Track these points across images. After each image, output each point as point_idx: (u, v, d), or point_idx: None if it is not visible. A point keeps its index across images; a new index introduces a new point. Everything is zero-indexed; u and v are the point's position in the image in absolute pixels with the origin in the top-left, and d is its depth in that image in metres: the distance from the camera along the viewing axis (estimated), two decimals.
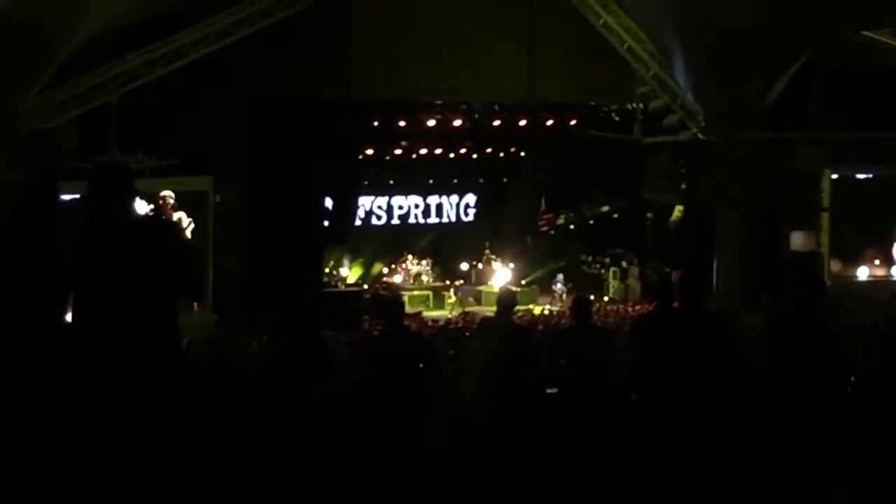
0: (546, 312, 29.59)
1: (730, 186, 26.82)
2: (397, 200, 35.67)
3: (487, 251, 35.26)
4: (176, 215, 21.13)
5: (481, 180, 36.56)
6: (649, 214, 33.87)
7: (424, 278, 34.29)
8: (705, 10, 24.11)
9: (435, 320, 27.16)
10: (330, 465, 8.67)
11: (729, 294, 25.58)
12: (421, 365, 11.48)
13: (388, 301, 12.00)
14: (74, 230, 7.06)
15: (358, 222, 34.30)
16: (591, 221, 36.11)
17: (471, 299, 33.18)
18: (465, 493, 9.41)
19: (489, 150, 35.06)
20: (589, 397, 11.19)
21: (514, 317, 14.08)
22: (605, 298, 33.08)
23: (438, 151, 34.30)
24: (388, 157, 33.70)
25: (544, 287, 34.24)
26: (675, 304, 10.61)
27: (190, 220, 21.78)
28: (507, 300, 12.63)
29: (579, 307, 12.48)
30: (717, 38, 24.48)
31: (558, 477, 9.83)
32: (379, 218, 35.41)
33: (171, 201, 20.48)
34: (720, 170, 27.31)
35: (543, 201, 36.63)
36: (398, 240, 35.19)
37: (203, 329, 20.43)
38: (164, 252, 6.51)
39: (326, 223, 31.50)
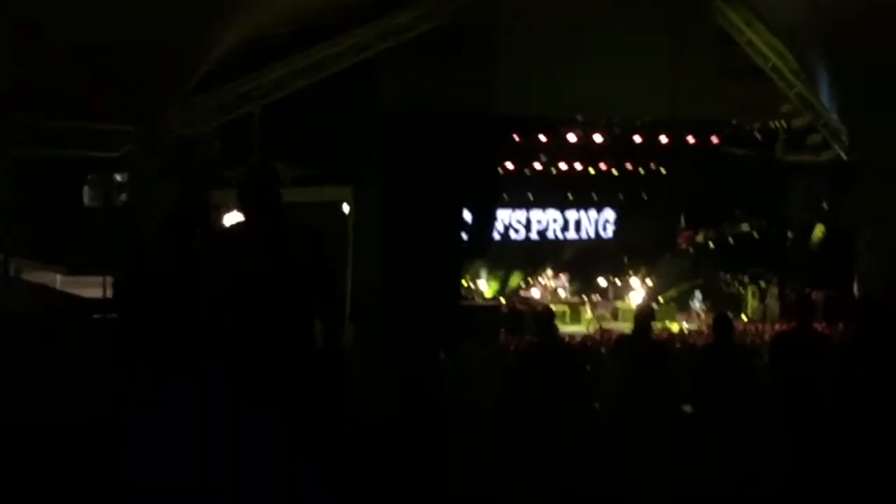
0: (684, 330, 29.45)
1: (872, 206, 26.41)
2: (536, 215, 35.72)
3: (627, 268, 35.19)
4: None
5: (621, 196, 36.42)
6: (790, 234, 33.49)
7: (562, 293, 34.33)
8: (851, 30, 23.84)
9: (572, 336, 27.15)
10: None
11: None
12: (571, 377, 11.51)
13: (541, 313, 12.00)
14: (224, 236, 7.29)
15: (496, 236, 34.37)
16: (731, 240, 35.81)
17: (608, 315, 33.13)
18: None
19: (629, 166, 34.91)
20: (727, 417, 11.17)
21: (651, 334, 14.04)
22: (744, 318, 32.78)
23: (578, 167, 34.25)
24: (527, 172, 33.76)
25: (682, 305, 34.06)
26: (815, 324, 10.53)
27: None
28: (644, 316, 12.62)
29: (720, 325, 12.43)
30: (862, 55, 24.19)
31: (693, 497, 9.84)
32: (517, 232, 35.50)
33: None
34: (863, 189, 26.91)
35: (683, 219, 36.45)
36: (536, 254, 35.26)
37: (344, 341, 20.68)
38: (312, 261, 6.64)
39: (465, 236, 31.65)
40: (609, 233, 36.92)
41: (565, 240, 36.31)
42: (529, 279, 34.52)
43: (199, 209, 7.19)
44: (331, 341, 6.69)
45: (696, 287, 34.43)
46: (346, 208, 26.31)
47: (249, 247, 6.56)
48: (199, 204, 7.24)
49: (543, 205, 35.73)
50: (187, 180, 24.23)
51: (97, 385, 7.66)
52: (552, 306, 31.82)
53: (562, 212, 36.14)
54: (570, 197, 35.99)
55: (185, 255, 7.09)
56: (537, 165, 33.64)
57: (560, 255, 35.62)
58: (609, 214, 36.77)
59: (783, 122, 31.50)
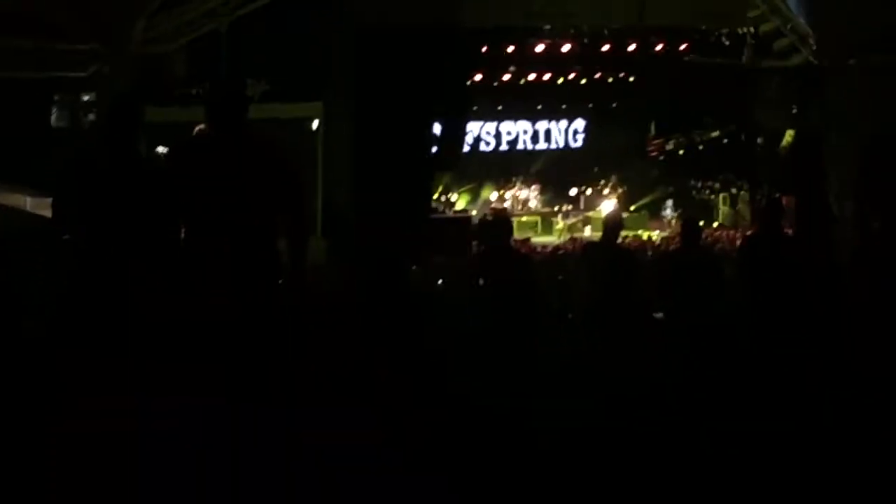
0: (655, 238, 29.54)
1: (842, 112, 26.42)
2: (506, 126, 35.72)
3: (598, 177, 35.24)
4: None
5: (590, 105, 36.42)
6: (760, 140, 33.53)
7: (533, 204, 34.36)
8: None
9: (544, 246, 27.26)
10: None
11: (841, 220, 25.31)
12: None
13: (493, 222, 12.03)
14: (189, 145, 7.26)
15: (466, 148, 34.35)
16: (701, 147, 35.83)
17: (579, 224, 33.20)
18: (570, 418, 9.53)
19: (598, 75, 34.85)
20: (696, 322, 11.24)
21: (622, 242, 14.09)
22: (715, 224, 32.92)
23: (547, 77, 34.17)
24: (496, 83, 33.71)
25: (653, 213, 34.19)
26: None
27: None
28: (612, 225, 12.66)
29: (688, 231, 12.49)
30: None
31: (662, 404, 9.90)
32: (488, 144, 35.51)
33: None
34: (832, 95, 26.90)
35: (653, 127, 36.45)
36: (507, 165, 35.25)
37: (314, 256, 20.74)
38: (275, 175, 6.62)
39: (435, 149, 31.58)
40: (579, 142, 36.94)
41: (536, 150, 36.31)
42: (500, 190, 34.52)
43: (130, 121, 7.12)
44: (295, 255, 6.69)
45: (668, 195, 34.55)
46: (315, 124, 26.24)
47: (212, 158, 6.54)
48: (131, 115, 7.17)
49: (513, 116, 35.70)
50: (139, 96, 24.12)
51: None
52: (524, 217, 32.15)
53: (532, 122, 36.12)
54: (540, 107, 35.95)
55: (117, 166, 7.05)
56: (506, 76, 33.57)
57: (530, 166, 35.61)
58: (579, 124, 36.77)
59: (751, 28, 31.36)
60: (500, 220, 12.26)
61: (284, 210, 6.63)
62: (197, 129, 17.01)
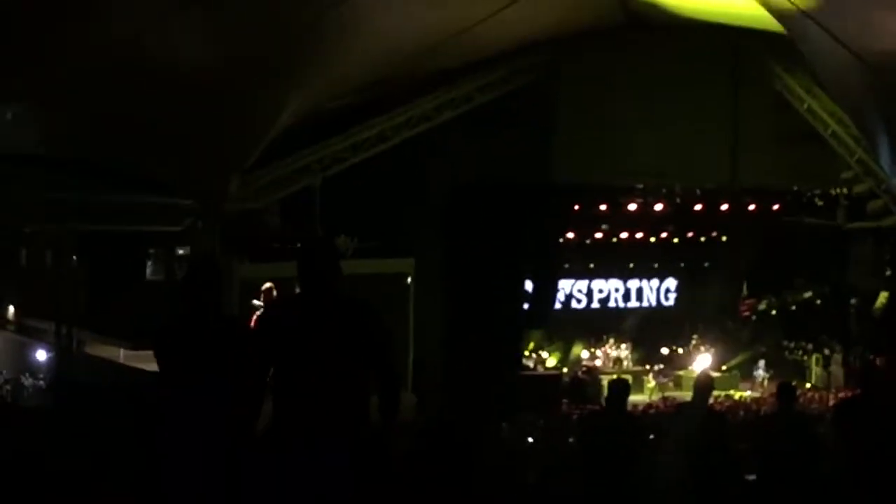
0: (747, 398, 29.27)
1: None
2: (597, 284, 35.68)
3: (693, 336, 35.07)
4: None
5: (682, 265, 36.33)
6: (853, 301, 33.25)
7: (625, 363, 34.18)
8: None
9: (635, 405, 27.04)
10: None
11: None
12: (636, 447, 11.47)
13: (616, 382, 11.96)
14: (280, 305, 7.38)
15: (558, 306, 34.37)
16: (794, 307, 35.60)
17: (670, 384, 32.97)
18: None
19: (690, 234, 34.87)
20: (790, 485, 11.11)
21: (714, 402, 14.01)
22: (808, 385, 32.51)
23: (639, 236, 34.25)
24: (588, 241, 33.82)
25: (745, 373, 33.85)
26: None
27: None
28: (703, 385, 12.60)
29: (783, 393, 12.40)
30: None
31: None
32: (579, 301, 35.46)
33: (274, 293, 20.21)
34: None
35: (745, 287, 36.31)
36: (598, 323, 35.18)
37: (403, 413, 20.75)
38: (367, 333, 6.67)
39: (526, 306, 31.63)
40: (671, 301, 36.79)
41: (627, 309, 36.23)
42: (592, 348, 34.41)
43: (207, 276, 7.27)
44: (386, 413, 6.73)
45: (760, 355, 34.21)
46: (408, 280, 26.46)
47: (303, 316, 6.62)
48: (211, 271, 7.32)
49: (605, 274, 35.69)
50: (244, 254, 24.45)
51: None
52: (615, 375, 31.91)
53: (624, 281, 36.08)
54: (632, 266, 35.94)
55: (198, 321, 7.18)
56: (598, 234, 33.70)
57: (622, 324, 35.51)
58: (671, 283, 36.66)
59: (844, 189, 31.34)
60: (622, 382, 12.20)
61: (375, 367, 6.68)
62: (265, 286, 17.17)
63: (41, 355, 25.13)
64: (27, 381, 24.01)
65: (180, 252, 27.17)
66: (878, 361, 29.03)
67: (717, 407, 21.97)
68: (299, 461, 6.42)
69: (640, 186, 31.13)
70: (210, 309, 7.27)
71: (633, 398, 29.62)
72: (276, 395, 6.59)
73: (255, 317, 14.99)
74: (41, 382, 23.74)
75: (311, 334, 6.52)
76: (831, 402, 25.41)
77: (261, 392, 6.61)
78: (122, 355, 23.75)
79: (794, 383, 14.75)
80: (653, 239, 34.65)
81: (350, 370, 6.53)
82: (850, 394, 24.99)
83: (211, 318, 7.28)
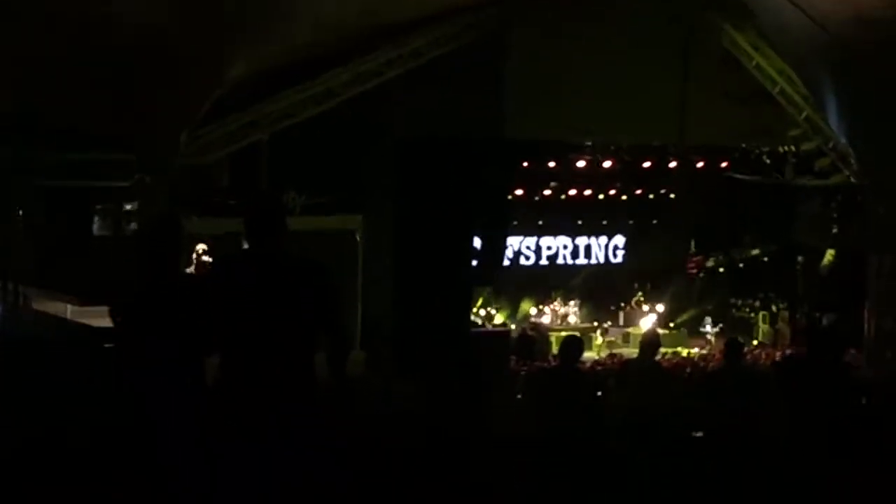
0: (694, 356, 29.45)
1: (882, 230, 26.32)
2: (546, 241, 35.76)
3: (640, 293, 35.24)
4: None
5: (630, 222, 36.49)
6: (800, 258, 33.47)
7: (572, 319, 34.31)
8: (862, 55, 23.80)
9: (582, 362, 27.10)
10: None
11: (882, 340, 25.15)
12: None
13: (568, 341, 11.93)
14: (227, 262, 7.31)
15: (506, 262, 34.42)
16: (741, 265, 35.83)
17: (618, 341, 33.13)
18: None
19: (639, 191, 35.01)
20: (737, 441, 11.16)
21: (661, 359, 14.07)
22: (755, 342, 32.74)
23: (588, 192, 34.36)
24: (537, 198, 33.89)
25: (693, 330, 34.06)
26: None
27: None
28: (650, 342, 12.65)
29: (731, 349, 12.46)
30: (871, 79, 24.14)
31: None
32: (527, 258, 35.55)
33: (204, 256, 19.93)
34: (872, 213, 26.83)
35: (693, 244, 36.49)
36: (546, 280, 35.26)
37: (352, 368, 20.75)
38: (316, 291, 6.63)
39: (475, 263, 31.62)
40: (619, 258, 36.95)
41: (576, 266, 36.34)
42: (540, 305, 34.49)
43: (169, 234, 7.18)
44: (334, 372, 6.70)
45: (707, 312, 34.43)
46: (356, 236, 26.40)
47: (251, 274, 6.57)
48: (170, 229, 7.24)
49: (554, 231, 35.77)
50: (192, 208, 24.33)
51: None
52: (563, 332, 32.03)
53: (572, 238, 36.18)
54: (580, 223, 36.04)
55: (157, 280, 7.10)
56: (547, 191, 33.76)
57: (570, 281, 35.61)
58: (619, 240, 36.81)
59: (792, 147, 31.44)
60: (575, 340, 12.18)
61: (324, 325, 6.64)
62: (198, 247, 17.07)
63: None
64: None
65: (128, 207, 26.95)
66: (822, 319, 29.33)
67: (665, 364, 22.06)
68: (253, 421, 6.38)
69: (589, 144, 31.14)
70: (172, 267, 7.20)
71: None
72: (225, 351, 6.55)
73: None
74: None
75: (262, 291, 6.48)
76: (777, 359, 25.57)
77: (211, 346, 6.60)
78: (69, 311, 23.58)
79: (740, 340, 14.83)
80: (601, 196, 34.79)
81: (299, 327, 6.50)
82: (793, 351, 25.24)
83: (174, 276, 7.22)
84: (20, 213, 25.96)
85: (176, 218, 7.66)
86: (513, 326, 32.61)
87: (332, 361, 6.66)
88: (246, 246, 6.74)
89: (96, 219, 27.26)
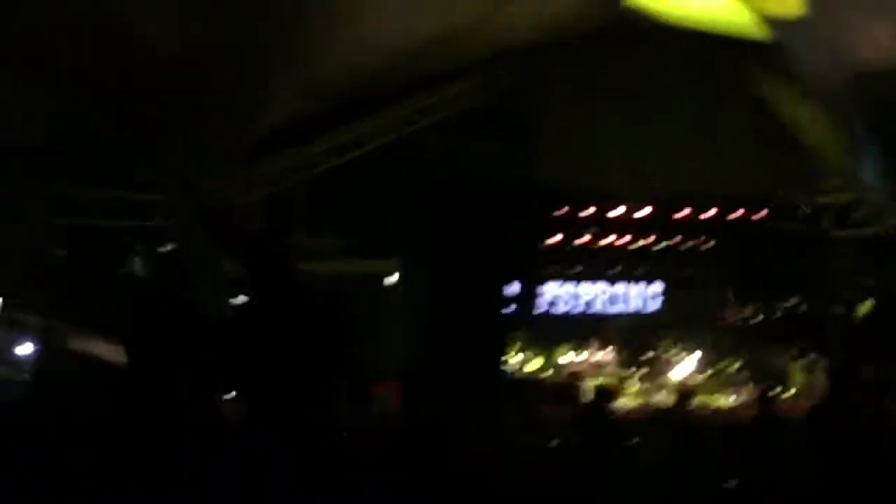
0: (729, 405, 29.32)
1: None
2: (583, 288, 35.72)
3: (676, 342, 35.10)
4: None
5: (668, 270, 36.41)
6: (837, 309, 33.26)
7: (608, 367, 34.18)
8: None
9: (616, 410, 27.00)
10: None
11: None
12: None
13: (602, 390, 11.96)
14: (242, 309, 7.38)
15: (542, 309, 34.38)
16: (778, 314, 35.65)
17: (654, 389, 32.97)
18: None
19: (676, 240, 34.95)
20: (770, 492, 11.13)
21: (695, 409, 14.05)
22: (791, 392, 32.52)
23: (625, 240, 34.32)
24: (574, 245, 33.86)
25: (728, 379, 33.87)
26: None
27: None
28: (685, 391, 12.66)
29: (766, 399, 12.46)
30: None
31: None
32: (564, 305, 35.49)
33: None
34: None
35: (730, 293, 36.35)
36: (581, 327, 35.18)
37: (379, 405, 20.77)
38: (331, 336, 6.63)
39: (510, 309, 31.58)
40: (656, 306, 36.84)
41: (612, 313, 36.25)
42: (576, 353, 34.39)
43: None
44: (354, 416, 6.74)
45: (743, 362, 34.25)
46: (390, 280, 26.45)
47: (266, 318, 6.60)
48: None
49: (590, 278, 35.72)
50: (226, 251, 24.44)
51: None
52: (599, 380, 31.96)
53: (609, 285, 36.12)
54: (617, 270, 35.98)
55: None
56: (584, 238, 33.74)
57: (606, 329, 35.53)
58: (656, 288, 36.70)
59: (829, 197, 31.31)
60: (607, 389, 12.24)
61: (340, 372, 6.66)
62: None
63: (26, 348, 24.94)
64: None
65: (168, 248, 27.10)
66: (860, 369, 29.12)
67: (699, 413, 21.98)
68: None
69: (625, 192, 31.13)
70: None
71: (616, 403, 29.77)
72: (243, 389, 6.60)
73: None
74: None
75: (280, 331, 6.53)
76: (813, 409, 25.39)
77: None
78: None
79: (776, 390, 14.79)
80: (638, 244, 34.70)
81: (314, 373, 6.53)
82: (827, 401, 25.04)
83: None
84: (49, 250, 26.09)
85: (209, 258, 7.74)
86: (548, 373, 32.52)
87: (346, 393, 6.69)
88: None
89: (136, 260, 27.43)
